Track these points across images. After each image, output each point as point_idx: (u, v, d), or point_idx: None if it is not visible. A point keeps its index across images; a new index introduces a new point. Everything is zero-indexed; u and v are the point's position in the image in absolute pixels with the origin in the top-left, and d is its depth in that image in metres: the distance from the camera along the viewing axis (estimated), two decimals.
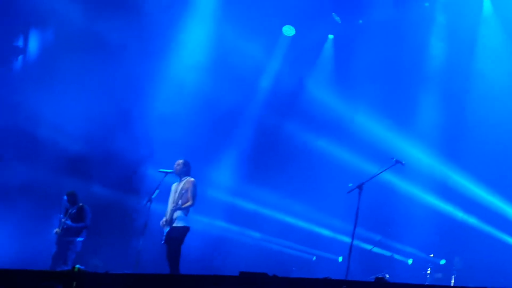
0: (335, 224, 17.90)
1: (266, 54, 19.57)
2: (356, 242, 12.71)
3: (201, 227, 16.81)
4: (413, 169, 16.60)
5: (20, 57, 18.17)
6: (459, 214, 17.35)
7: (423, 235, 17.41)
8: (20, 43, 18.15)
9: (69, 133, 17.11)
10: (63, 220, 14.56)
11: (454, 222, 17.42)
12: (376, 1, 18.68)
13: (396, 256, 17.62)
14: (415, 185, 17.66)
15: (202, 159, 15.67)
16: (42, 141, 17.23)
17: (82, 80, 17.19)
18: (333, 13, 19.54)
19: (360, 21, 19.64)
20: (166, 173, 13.09)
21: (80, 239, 14.57)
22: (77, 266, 9.73)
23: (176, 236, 12.58)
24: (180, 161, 13.09)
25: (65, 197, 14.80)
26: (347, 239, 15.27)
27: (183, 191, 12.70)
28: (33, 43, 18.27)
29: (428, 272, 16.51)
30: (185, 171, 13.00)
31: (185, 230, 12.66)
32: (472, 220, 17.27)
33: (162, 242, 12.67)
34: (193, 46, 18.67)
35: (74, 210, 14.67)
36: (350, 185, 13.06)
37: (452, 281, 16.02)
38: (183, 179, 12.93)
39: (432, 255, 16.88)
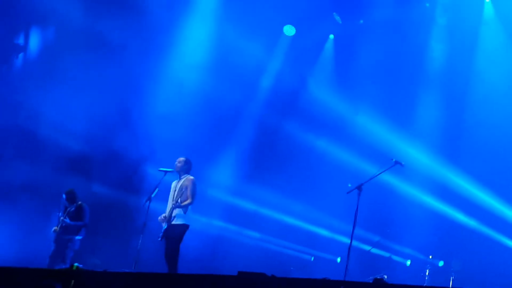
0: (334, 225, 17.90)
1: (267, 53, 19.57)
2: (354, 243, 12.69)
3: (200, 226, 16.81)
4: (413, 170, 16.58)
5: (20, 55, 18.19)
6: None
7: (422, 236, 17.40)
8: (21, 41, 18.18)
9: (70, 132, 17.14)
10: (61, 218, 14.58)
11: (453, 223, 17.41)
12: (377, 1, 18.66)
13: (395, 257, 17.62)
14: (414, 186, 17.65)
15: (202, 158, 15.67)
16: (43, 140, 17.26)
17: (83, 79, 17.23)
18: (334, 13, 19.54)
19: (361, 21, 19.63)
20: (166, 172, 13.10)
21: (78, 237, 14.58)
22: (76, 264, 9.73)
23: (175, 234, 12.58)
24: (182, 158, 13.12)
25: (64, 196, 14.81)
26: (345, 240, 15.30)
27: (183, 189, 12.72)
28: (34, 41, 18.30)
29: (427, 273, 16.50)
30: (185, 169, 13.02)
31: (184, 228, 12.67)
32: (470, 222, 17.26)
33: (159, 239, 12.68)
34: (194, 45, 18.69)
35: (73, 209, 14.68)
36: (350, 185, 13.04)
37: (451, 283, 16.03)
38: (182, 177, 12.95)
39: (431, 257, 16.87)
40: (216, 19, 18.58)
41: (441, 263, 16.93)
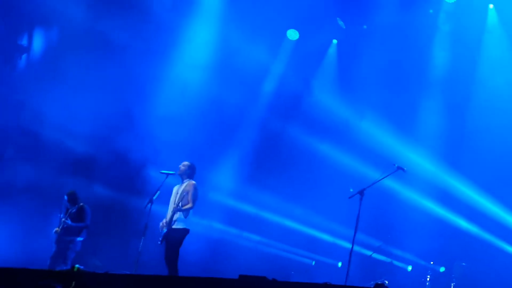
0: (336, 229, 17.90)
1: (270, 57, 19.58)
2: (356, 248, 12.68)
3: (202, 229, 16.84)
4: (415, 176, 16.57)
5: (24, 56, 18.19)
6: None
7: (423, 242, 17.38)
8: (24, 41, 18.17)
9: (72, 133, 17.14)
10: (63, 219, 14.57)
11: (455, 229, 17.39)
12: (381, 7, 18.65)
13: (396, 263, 17.60)
14: (416, 192, 17.64)
15: (204, 161, 15.68)
16: (45, 140, 17.26)
17: (86, 79, 17.23)
18: (337, 18, 19.54)
19: (365, 27, 19.64)
20: (168, 174, 13.11)
21: (80, 238, 14.57)
22: (77, 265, 9.72)
23: (175, 238, 12.59)
24: (186, 162, 13.13)
25: (66, 197, 14.80)
26: (347, 245, 15.28)
27: (184, 193, 12.73)
28: (37, 42, 18.29)
29: (428, 279, 16.49)
30: (188, 173, 13.03)
31: (184, 232, 12.68)
32: (472, 228, 17.24)
33: (159, 242, 12.69)
34: (197, 47, 18.70)
35: (74, 210, 14.67)
36: (351, 190, 13.03)
37: None
38: (185, 181, 12.96)
39: (432, 263, 16.85)
40: (220, 22, 18.59)
41: (442, 269, 16.91)
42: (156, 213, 13.23)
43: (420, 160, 17.56)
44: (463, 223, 17.35)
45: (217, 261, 18.29)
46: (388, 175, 12.87)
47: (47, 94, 16.84)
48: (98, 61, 17.07)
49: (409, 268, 17.67)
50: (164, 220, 12.76)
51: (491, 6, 18.19)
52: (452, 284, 16.13)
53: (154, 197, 12.91)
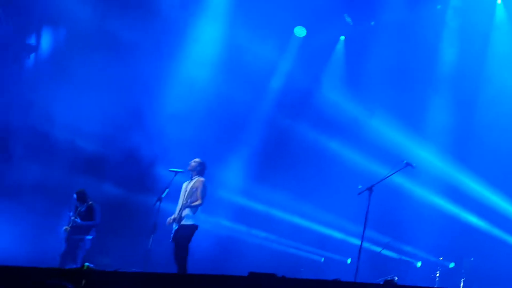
0: (345, 226, 17.89)
1: (278, 54, 19.57)
2: (365, 244, 12.67)
3: (211, 227, 16.85)
4: (423, 172, 16.59)
5: (32, 55, 18.23)
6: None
7: (432, 237, 17.36)
8: (32, 41, 18.21)
9: (81, 132, 17.18)
10: (72, 218, 14.61)
11: (464, 225, 17.36)
12: (388, 3, 18.63)
13: (405, 259, 17.58)
14: (425, 188, 17.63)
15: (213, 159, 15.65)
16: (54, 139, 17.30)
17: (94, 78, 17.25)
18: (345, 15, 19.51)
19: (372, 23, 19.61)
20: (176, 172, 13.11)
21: (89, 237, 14.62)
22: (87, 264, 9.75)
23: (185, 235, 12.63)
24: (197, 159, 13.19)
25: (75, 195, 14.84)
26: (356, 241, 15.27)
27: (193, 190, 12.76)
28: (46, 41, 18.33)
29: (437, 275, 16.47)
30: (199, 170, 13.06)
31: (193, 228, 12.71)
32: (481, 224, 17.21)
33: (170, 240, 12.72)
34: (205, 45, 18.70)
35: (84, 208, 14.72)
36: (360, 186, 13.02)
37: (461, 285, 15.99)
38: (194, 177, 12.99)
39: (441, 258, 16.83)
40: (227, 19, 18.58)
41: (451, 265, 16.89)
42: (165, 211, 13.23)
43: (429, 156, 17.54)
44: (472, 219, 17.33)
45: (226, 259, 18.29)
46: (397, 171, 12.86)
47: (56, 93, 16.89)
48: (106, 60, 17.10)
49: (419, 264, 17.65)
50: (171, 217, 12.79)
51: (499, 1, 18.14)
52: (461, 279, 16.12)
53: (163, 195, 12.92)
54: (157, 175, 17.31)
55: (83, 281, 8.42)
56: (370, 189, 12.50)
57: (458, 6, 18.49)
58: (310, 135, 19.11)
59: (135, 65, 17.68)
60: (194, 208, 12.72)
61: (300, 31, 19.76)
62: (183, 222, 12.66)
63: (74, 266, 13.65)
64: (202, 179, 12.95)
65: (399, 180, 15.91)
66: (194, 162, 13.13)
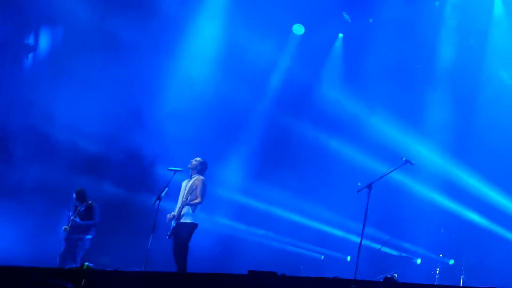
0: (344, 223, 17.89)
1: (277, 52, 19.56)
2: (365, 242, 12.69)
3: (211, 225, 16.86)
4: (423, 169, 16.60)
5: (30, 55, 18.21)
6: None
7: (432, 235, 17.39)
8: (31, 40, 18.19)
9: (81, 131, 17.16)
10: (72, 217, 14.62)
11: (463, 222, 17.37)
12: (387, 0, 18.62)
13: (405, 256, 17.59)
14: (424, 185, 17.64)
15: (213, 157, 15.68)
16: (54, 139, 17.28)
17: (93, 77, 17.24)
18: (343, 12, 19.51)
19: (370, 20, 19.59)
20: (176, 171, 13.10)
21: (88, 236, 14.62)
22: (86, 263, 9.76)
23: (184, 233, 12.63)
24: (199, 158, 13.18)
25: (74, 195, 14.84)
26: (356, 238, 15.28)
27: (193, 188, 12.76)
28: (44, 41, 18.31)
29: (437, 272, 16.48)
30: (199, 169, 13.07)
31: (192, 226, 12.72)
32: (481, 221, 17.22)
33: (168, 237, 12.73)
34: (204, 43, 18.69)
35: (83, 208, 14.71)
36: (359, 184, 13.03)
37: (461, 282, 16.00)
38: (193, 176, 12.99)
39: (441, 255, 16.84)
40: (226, 18, 18.58)
41: (451, 262, 16.91)
42: (164, 210, 13.23)
43: (428, 153, 17.55)
44: (472, 216, 17.34)
45: (226, 257, 18.30)
46: (396, 168, 12.88)
47: (55, 93, 16.88)
48: (105, 59, 17.09)
49: (418, 261, 17.67)
50: (171, 213, 12.80)
51: None
52: (461, 276, 16.13)
53: (162, 194, 12.89)
54: (157, 174, 17.32)
55: (83, 281, 8.42)
56: (369, 186, 12.52)
57: (457, 3, 18.48)
58: (309, 133, 19.11)
59: (134, 64, 17.67)
60: (194, 206, 12.73)
61: (298, 29, 19.75)
62: (182, 220, 12.67)
63: (74, 265, 13.66)
64: (202, 177, 12.96)
65: (399, 177, 15.91)
66: (195, 161, 13.14)
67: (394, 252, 17.56)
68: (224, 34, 18.71)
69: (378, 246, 17.12)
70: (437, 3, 18.72)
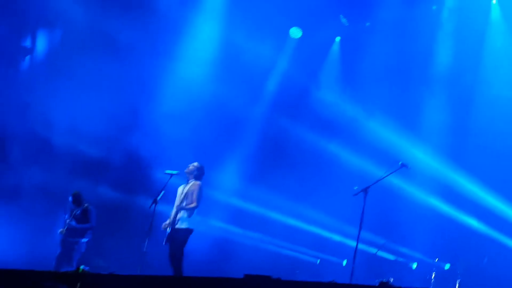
0: (340, 227, 17.87)
1: (274, 55, 19.58)
2: (360, 246, 12.68)
3: (206, 229, 16.83)
4: (419, 173, 16.61)
5: (27, 57, 18.20)
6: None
7: (428, 239, 17.37)
8: (27, 43, 18.18)
9: (78, 134, 17.15)
10: (67, 221, 14.61)
11: (459, 226, 17.36)
12: (384, 4, 18.64)
13: (401, 260, 17.58)
14: (421, 189, 17.63)
15: (209, 160, 15.68)
16: (51, 141, 17.28)
17: (90, 79, 17.24)
18: (340, 15, 19.52)
19: (368, 24, 19.61)
20: (172, 174, 13.08)
21: (84, 239, 14.61)
22: (82, 267, 9.74)
23: (180, 239, 12.63)
24: (196, 163, 13.14)
25: (71, 198, 14.83)
26: (352, 242, 15.26)
27: (189, 192, 12.75)
28: (41, 43, 18.31)
29: (433, 276, 16.47)
30: (196, 174, 13.04)
31: (188, 232, 12.71)
32: (477, 225, 17.21)
33: (164, 243, 12.72)
34: (202, 45, 18.72)
35: (79, 211, 14.70)
36: (356, 188, 13.02)
37: (457, 286, 15.98)
38: (190, 181, 12.97)
39: (437, 260, 16.83)
40: (224, 20, 18.60)
41: (447, 266, 16.89)
42: (160, 213, 13.23)
43: (424, 157, 17.54)
44: (468, 220, 17.32)
45: (222, 261, 18.28)
46: (392, 172, 12.87)
47: (52, 95, 16.88)
48: (103, 60, 17.10)
49: (414, 265, 17.65)
50: (167, 221, 12.78)
51: (494, 1, 18.15)
52: (457, 281, 16.11)
53: (158, 198, 12.88)
54: (153, 177, 17.30)
55: (78, 284, 8.42)
56: (365, 190, 12.51)
57: (454, 7, 18.50)
58: (306, 136, 19.08)
59: (132, 66, 17.69)
60: (190, 211, 12.71)
61: (295, 32, 19.77)
62: (178, 225, 12.66)
63: (70, 269, 13.63)
64: (198, 182, 12.95)
65: (395, 181, 15.90)
66: (192, 166, 13.10)
67: (390, 257, 17.55)
68: (221, 36, 18.74)
69: (374, 250, 17.10)
70: (434, 7, 18.74)
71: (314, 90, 19.82)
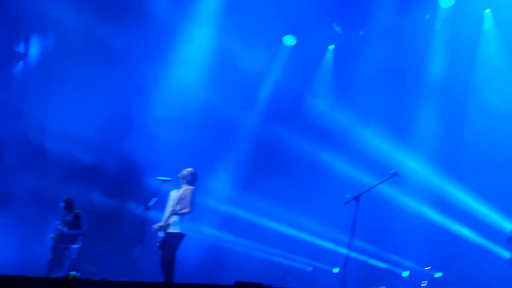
0: (332, 235, 17.87)
1: (268, 62, 19.62)
2: (352, 254, 12.68)
3: (198, 236, 16.82)
4: (411, 182, 16.62)
5: (21, 63, 18.19)
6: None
7: (419, 247, 17.38)
8: (21, 48, 18.16)
9: (72, 140, 17.12)
10: (59, 227, 14.58)
11: (451, 235, 17.38)
12: (377, 13, 18.69)
13: (392, 268, 17.58)
14: (412, 198, 17.64)
15: (201, 167, 15.70)
16: (44, 147, 17.26)
17: (84, 85, 17.23)
18: (334, 24, 19.56)
19: (361, 32, 19.66)
20: (164, 181, 13.08)
21: (75, 246, 14.58)
22: (72, 273, 9.72)
23: (171, 243, 12.59)
24: (190, 169, 13.12)
25: (62, 204, 14.81)
26: (343, 250, 15.28)
27: (181, 197, 12.73)
28: (34, 49, 18.29)
29: (424, 284, 16.47)
30: (189, 179, 13.02)
31: (179, 236, 12.67)
32: (468, 233, 17.23)
33: (157, 247, 12.69)
34: (195, 52, 18.75)
35: (71, 217, 14.68)
36: (347, 196, 13.04)
37: None
38: (182, 186, 12.96)
39: (429, 268, 16.84)
40: (218, 26, 18.63)
41: (438, 274, 16.91)
42: (153, 219, 13.21)
43: (416, 166, 17.56)
44: (459, 229, 17.34)
45: (213, 267, 18.27)
46: (384, 180, 12.91)
47: (45, 101, 16.86)
48: (97, 66, 17.11)
49: (406, 273, 17.66)
50: (158, 223, 12.76)
51: (487, 10, 18.22)
52: None
53: (151, 204, 12.87)
54: (146, 184, 17.28)
55: None
56: (357, 198, 12.52)
57: (447, 17, 18.56)
58: (298, 144, 19.11)
59: (126, 72, 17.69)
60: (182, 216, 12.69)
61: (289, 40, 19.81)
62: (170, 230, 12.63)
63: (60, 275, 13.61)
64: (191, 187, 12.93)
65: (387, 189, 15.93)
66: (187, 171, 13.10)
67: (381, 265, 17.56)
68: (216, 43, 18.77)
69: (365, 258, 17.11)
70: (427, 16, 18.80)
71: (308, 98, 19.85)
